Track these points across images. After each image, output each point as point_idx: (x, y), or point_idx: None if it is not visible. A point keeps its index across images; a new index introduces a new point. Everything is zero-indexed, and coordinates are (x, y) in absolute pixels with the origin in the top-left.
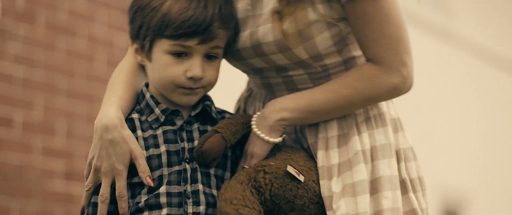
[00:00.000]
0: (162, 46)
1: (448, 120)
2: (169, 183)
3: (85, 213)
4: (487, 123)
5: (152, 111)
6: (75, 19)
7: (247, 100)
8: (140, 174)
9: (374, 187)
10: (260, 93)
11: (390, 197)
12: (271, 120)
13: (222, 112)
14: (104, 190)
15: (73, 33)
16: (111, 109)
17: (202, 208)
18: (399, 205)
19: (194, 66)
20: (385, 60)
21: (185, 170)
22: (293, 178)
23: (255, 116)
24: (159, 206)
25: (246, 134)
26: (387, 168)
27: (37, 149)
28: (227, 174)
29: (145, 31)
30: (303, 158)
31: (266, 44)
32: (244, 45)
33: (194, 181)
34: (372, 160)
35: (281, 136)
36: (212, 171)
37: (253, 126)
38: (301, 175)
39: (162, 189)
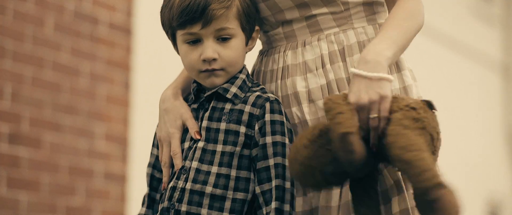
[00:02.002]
0: (179, 38)
1: None
2: (183, 158)
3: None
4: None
5: (189, 93)
6: None
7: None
8: (190, 131)
9: None
10: (276, 46)
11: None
12: (383, 59)
13: (257, 84)
14: (164, 156)
15: None
16: (169, 88)
17: (188, 184)
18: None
19: (205, 49)
20: None
21: (190, 147)
22: (431, 107)
23: (357, 70)
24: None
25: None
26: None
27: None
28: (237, 149)
29: (165, 27)
30: None
31: None
32: None
33: (192, 158)
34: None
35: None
36: (219, 148)
37: (366, 73)
38: None
39: (185, 162)
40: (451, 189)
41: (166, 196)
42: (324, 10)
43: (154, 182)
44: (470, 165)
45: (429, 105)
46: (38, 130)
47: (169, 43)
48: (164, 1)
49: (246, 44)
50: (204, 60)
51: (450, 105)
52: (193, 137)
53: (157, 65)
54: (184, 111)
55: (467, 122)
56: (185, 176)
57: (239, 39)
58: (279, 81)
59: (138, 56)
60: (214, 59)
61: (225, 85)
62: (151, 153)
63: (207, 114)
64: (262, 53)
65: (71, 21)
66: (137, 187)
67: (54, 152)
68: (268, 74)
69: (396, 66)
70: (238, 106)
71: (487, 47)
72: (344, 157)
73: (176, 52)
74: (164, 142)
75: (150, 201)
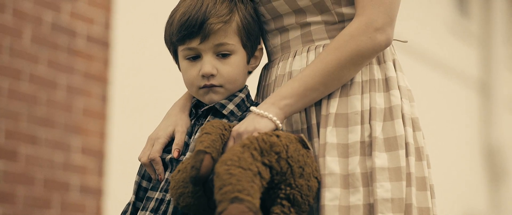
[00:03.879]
0: (180, 54)
1: None
2: (171, 171)
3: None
4: None
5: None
6: None
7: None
8: (173, 145)
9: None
10: (274, 59)
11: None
12: (279, 105)
13: (257, 104)
14: (144, 155)
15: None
16: (182, 97)
17: None
18: (398, 165)
19: (204, 64)
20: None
21: (178, 160)
22: (304, 145)
23: (254, 107)
24: (156, 189)
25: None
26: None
27: None
28: None
29: (167, 44)
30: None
31: None
32: None
33: None
34: (370, 120)
35: (281, 123)
36: None
37: (256, 109)
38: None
39: (167, 174)
40: (246, 207)
41: (151, 206)
42: (318, 18)
43: (140, 192)
44: (448, 182)
45: (301, 141)
46: (14, 142)
47: (147, 57)
48: (168, 18)
49: (248, 62)
50: (203, 76)
51: (427, 122)
52: (172, 152)
53: (134, 79)
54: (180, 124)
55: (445, 139)
56: None
57: (239, 56)
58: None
59: (116, 70)
60: (213, 75)
61: (223, 102)
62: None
63: None
64: (264, 67)
65: (49, 33)
66: (113, 201)
67: (29, 165)
68: (266, 88)
69: (385, 85)
70: (233, 124)
71: (464, 64)
72: (190, 173)
73: (154, 67)
74: (149, 140)
75: (134, 210)
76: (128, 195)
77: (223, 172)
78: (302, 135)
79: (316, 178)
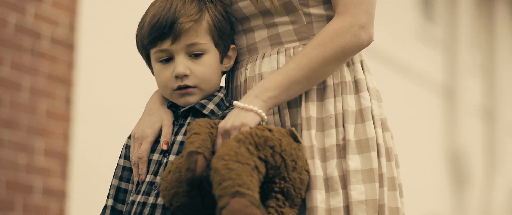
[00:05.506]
0: (152, 57)
1: None
2: (152, 173)
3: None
4: None
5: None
6: None
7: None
8: (161, 138)
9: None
10: (240, 60)
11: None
12: (263, 98)
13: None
14: (134, 155)
15: None
16: (157, 92)
17: (160, 199)
18: (370, 167)
19: (177, 65)
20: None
21: (159, 161)
22: (295, 139)
23: (237, 102)
24: (138, 192)
25: None
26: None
27: None
28: None
29: (139, 49)
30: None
31: None
32: None
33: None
34: (343, 123)
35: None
36: None
37: (240, 104)
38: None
39: (149, 176)
40: (248, 201)
41: (133, 211)
42: (286, 19)
43: (120, 194)
44: (411, 186)
45: (292, 135)
46: None
47: (111, 59)
48: (138, 23)
49: (221, 62)
50: (176, 77)
51: (392, 126)
52: (161, 146)
53: (99, 81)
54: (165, 117)
55: (409, 143)
56: (155, 192)
57: (212, 55)
58: (242, 96)
59: (80, 72)
60: (186, 76)
61: (203, 101)
62: (117, 164)
63: (183, 130)
64: (230, 69)
65: (13, 35)
66: (77, 204)
67: None
68: (235, 89)
69: (355, 87)
70: (218, 121)
71: (429, 69)
72: (185, 175)
73: (118, 70)
74: (137, 140)
75: (116, 214)
76: (91, 197)
77: (222, 167)
78: (293, 129)
79: (307, 171)
